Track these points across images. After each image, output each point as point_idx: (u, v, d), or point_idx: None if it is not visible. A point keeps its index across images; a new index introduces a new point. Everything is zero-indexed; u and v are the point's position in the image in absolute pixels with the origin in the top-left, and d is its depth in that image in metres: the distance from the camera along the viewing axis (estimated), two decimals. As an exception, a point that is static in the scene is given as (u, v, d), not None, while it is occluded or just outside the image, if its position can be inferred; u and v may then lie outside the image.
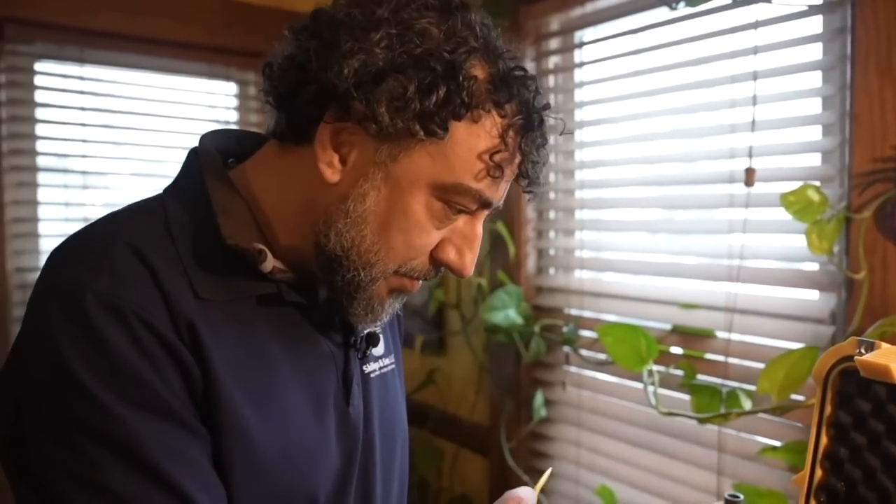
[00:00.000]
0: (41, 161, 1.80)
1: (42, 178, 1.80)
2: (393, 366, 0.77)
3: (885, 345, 0.78)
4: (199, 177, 0.62)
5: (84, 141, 1.85)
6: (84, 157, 1.85)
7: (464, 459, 1.73)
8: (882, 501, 0.72)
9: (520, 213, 1.53)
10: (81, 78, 1.85)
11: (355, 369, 0.68)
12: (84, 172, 1.85)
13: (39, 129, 1.80)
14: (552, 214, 1.53)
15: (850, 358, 0.77)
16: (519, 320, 1.41)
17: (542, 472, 1.61)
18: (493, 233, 1.56)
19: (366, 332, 0.70)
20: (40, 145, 1.80)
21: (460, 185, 0.59)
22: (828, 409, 0.80)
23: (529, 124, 0.60)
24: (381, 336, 0.73)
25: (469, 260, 0.63)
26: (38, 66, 1.81)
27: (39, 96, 1.80)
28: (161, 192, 0.64)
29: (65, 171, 1.84)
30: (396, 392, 0.77)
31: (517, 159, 0.61)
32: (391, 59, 0.55)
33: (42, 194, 1.80)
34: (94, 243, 0.59)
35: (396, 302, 0.66)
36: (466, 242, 0.63)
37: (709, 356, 1.24)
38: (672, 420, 1.27)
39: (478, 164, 0.59)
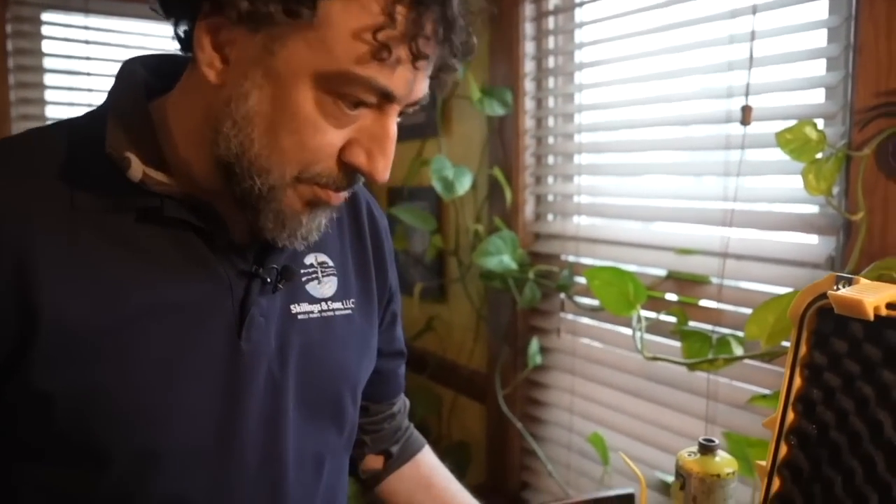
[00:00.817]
0: (49, 111, 1.83)
1: (49, 126, 1.82)
2: (348, 312, 0.72)
3: (863, 280, 0.74)
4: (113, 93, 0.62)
5: (91, 90, 1.86)
6: (91, 105, 1.86)
7: (462, 406, 1.74)
8: (854, 445, 0.70)
9: (518, 159, 1.49)
10: (87, 28, 1.85)
11: (259, 301, 0.64)
12: (91, 121, 1.87)
13: (47, 79, 1.82)
14: (551, 160, 1.50)
15: (826, 295, 0.73)
16: (513, 266, 1.39)
17: (537, 420, 1.61)
18: (491, 179, 1.53)
19: (282, 265, 0.65)
20: (48, 94, 1.82)
21: (345, 73, 0.53)
22: (803, 350, 0.78)
23: None
24: (318, 276, 0.69)
25: (381, 164, 0.58)
26: (45, 16, 1.82)
27: (46, 46, 1.82)
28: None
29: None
30: (346, 340, 0.72)
31: (412, 38, 0.54)
32: None
33: (50, 143, 1.82)
34: None
35: (318, 217, 0.61)
36: (376, 143, 0.57)
37: (704, 303, 1.21)
38: (664, 368, 1.25)
39: (359, 45, 0.52)
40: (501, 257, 1.38)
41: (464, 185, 1.46)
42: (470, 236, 1.57)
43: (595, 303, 1.35)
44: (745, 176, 1.14)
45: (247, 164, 0.56)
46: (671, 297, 1.26)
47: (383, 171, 0.58)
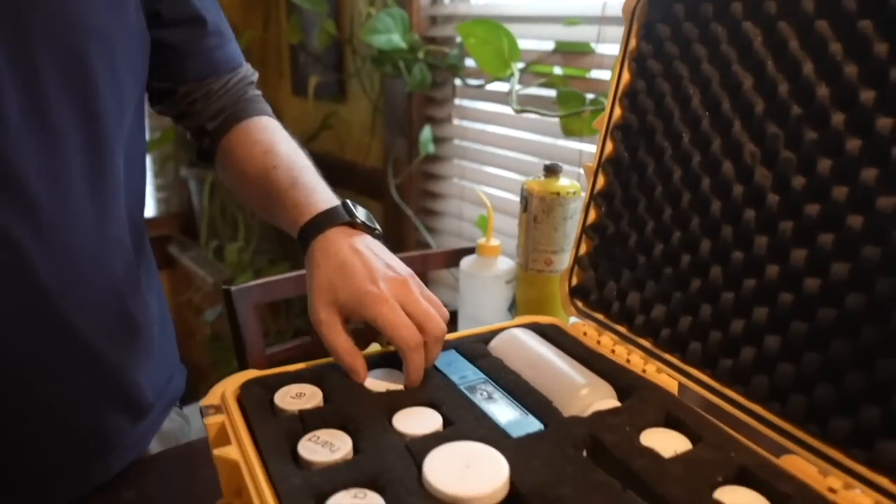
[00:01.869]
0: None
1: None
2: None
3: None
4: None
5: None
6: None
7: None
8: (667, 126, 0.71)
9: (413, -64, 1.41)
10: None
11: None
12: None
13: None
14: (448, -66, 1.42)
15: (656, -17, 0.72)
16: (402, 45, 1.34)
17: (432, 213, 1.61)
18: (386, -42, 1.45)
19: None
20: None
21: None
22: (632, 44, 0.77)
23: None
24: None
25: None
26: None
27: None
28: None
29: None
30: None
31: None
32: None
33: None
34: None
35: None
36: None
37: (593, 75, 1.20)
38: (549, 145, 1.25)
39: None
40: (390, 36, 1.33)
41: (349, -46, 1.38)
42: (363, 20, 1.50)
43: (480, 81, 1.33)
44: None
45: None
46: (559, 71, 1.24)
47: None
